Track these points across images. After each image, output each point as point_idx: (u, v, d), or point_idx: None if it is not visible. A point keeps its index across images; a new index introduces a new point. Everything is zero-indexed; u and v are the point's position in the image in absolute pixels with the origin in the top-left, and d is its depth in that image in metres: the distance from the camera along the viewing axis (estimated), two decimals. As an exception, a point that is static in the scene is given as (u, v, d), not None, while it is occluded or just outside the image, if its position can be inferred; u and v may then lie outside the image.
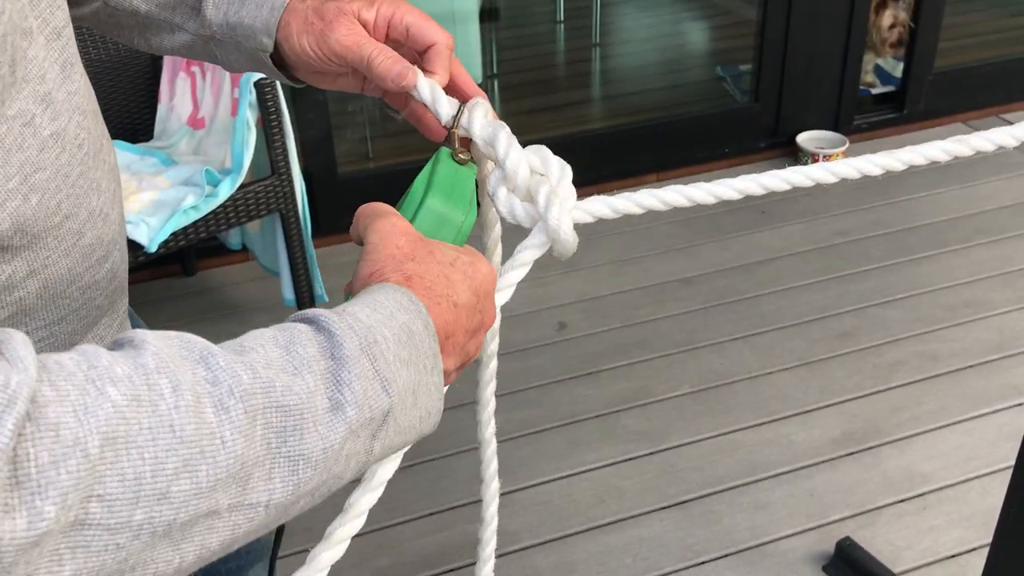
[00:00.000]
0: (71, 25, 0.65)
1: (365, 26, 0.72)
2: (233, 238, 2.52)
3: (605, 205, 0.71)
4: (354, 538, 1.63)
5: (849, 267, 2.64)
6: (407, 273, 0.60)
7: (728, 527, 1.84)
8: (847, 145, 3.13)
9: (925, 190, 3.00)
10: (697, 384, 2.23)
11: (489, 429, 0.87)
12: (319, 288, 2.36)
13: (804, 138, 3.14)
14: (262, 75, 1.65)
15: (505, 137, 0.68)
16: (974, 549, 1.76)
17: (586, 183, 3.19)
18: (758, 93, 3.14)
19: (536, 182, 0.68)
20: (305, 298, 2.31)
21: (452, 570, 1.79)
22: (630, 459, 2.02)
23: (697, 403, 2.17)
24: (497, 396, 2.36)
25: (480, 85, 3.18)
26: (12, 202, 0.56)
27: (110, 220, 0.67)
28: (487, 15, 3.77)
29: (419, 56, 0.74)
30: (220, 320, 2.54)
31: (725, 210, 2.94)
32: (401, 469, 2.15)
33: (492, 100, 3.68)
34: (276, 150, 2.09)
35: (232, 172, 2.04)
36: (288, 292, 2.31)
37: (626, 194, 0.74)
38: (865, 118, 3.27)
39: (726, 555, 1.78)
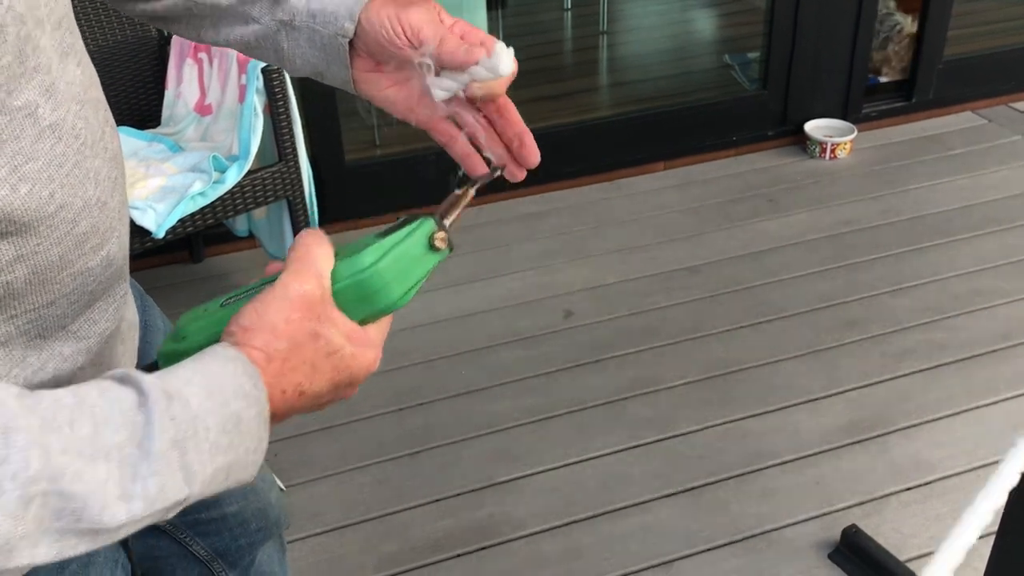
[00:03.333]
0: (71, 13, 0.65)
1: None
2: (240, 225, 2.52)
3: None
4: (360, 524, 1.64)
5: (857, 256, 2.63)
6: (271, 354, 0.58)
7: (734, 514, 1.84)
8: (855, 134, 3.11)
9: (933, 179, 2.98)
10: (704, 372, 2.23)
11: None
12: (326, 275, 2.36)
13: (812, 126, 3.13)
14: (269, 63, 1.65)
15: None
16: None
17: (594, 171, 3.19)
18: (766, 81, 3.13)
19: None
20: (312, 285, 2.31)
21: (459, 555, 1.79)
22: (637, 446, 2.02)
23: (704, 391, 2.17)
24: (504, 383, 2.38)
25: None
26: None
27: (108, 208, 0.67)
28: (495, 2, 3.76)
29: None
30: (227, 307, 2.54)
31: (733, 199, 2.94)
32: (407, 456, 2.17)
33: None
34: (283, 137, 2.09)
35: (239, 159, 2.04)
36: (295, 279, 2.31)
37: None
38: (874, 106, 3.25)
39: (732, 542, 1.78)
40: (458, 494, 1.93)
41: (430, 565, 1.78)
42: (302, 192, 2.18)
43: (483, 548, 1.81)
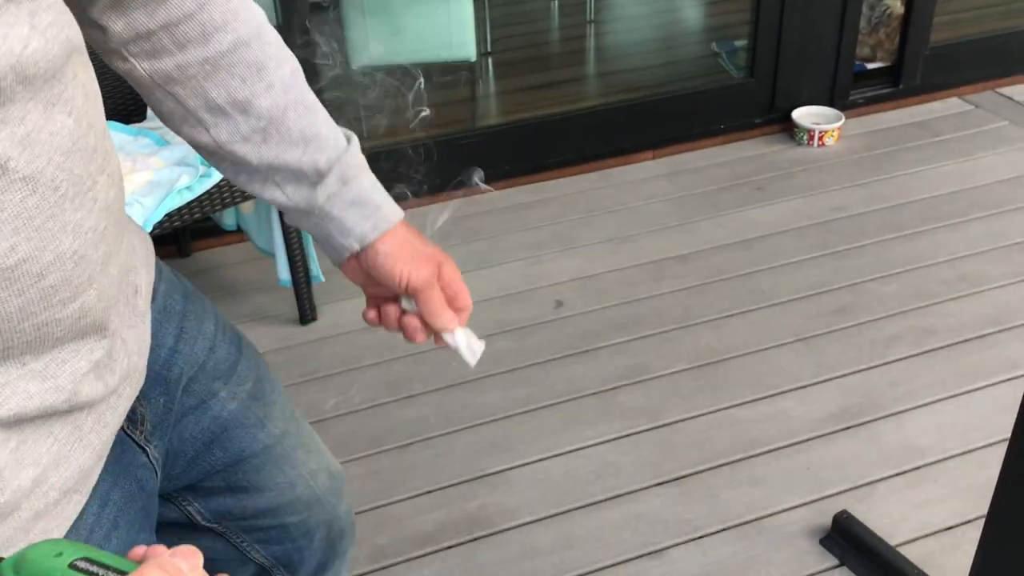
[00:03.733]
0: (79, 60, 0.63)
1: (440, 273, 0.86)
2: (228, 219, 2.51)
3: None
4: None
5: (845, 243, 2.64)
6: None
7: (725, 502, 1.85)
8: (843, 120, 3.12)
9: (920, 165, 2.99)
10: (694, 360, 2.23)
11: None
12: (315, 268, 2.35)
13: (800, 114, 3.13)
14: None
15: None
16: (970, 521, 1.77)
17: (581, 161, 3.18)
18: (753, 69, 3.13)
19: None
20: (301, 278, 2.31)
21: (451, 547, 1.79)
22: (627, 435, 2.02)
23: (694, 379, 2.17)
24: (494, 374, 2.38)
25: (474, 63, 3.17)
26: None
27: (87, 261, 0.63)
28: (481, -8, 3.74)
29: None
30: (217, 301, 2.52)
31: (721, 187, 2.94)
32: (399, 448, 2.17)
33: (486, 77, 3.67)
34: (270, 129, 2.08)
35: (226, 152, 2.03)
36: (284, 273, 2.30)
37: None
38: (861, 93, 3.26)
39: (723, 529, 1.79)
40: (450, 485, 1.93)
41: (423, 556, 1.78)
42: (289, 185, 2.17)
43: (476, 539, 1.81)
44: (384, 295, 0.89)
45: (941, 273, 2.49)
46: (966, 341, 2.24)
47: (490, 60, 3.72)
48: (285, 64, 0.79)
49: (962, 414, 2.02)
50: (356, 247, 0.83)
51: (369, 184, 0.84)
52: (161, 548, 0.52)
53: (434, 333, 0.89)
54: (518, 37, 3.99)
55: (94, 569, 0.51)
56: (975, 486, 1.84)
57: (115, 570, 0.50)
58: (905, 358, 2.20)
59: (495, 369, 2.23)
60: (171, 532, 0.96)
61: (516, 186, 2.97)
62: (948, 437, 1.96)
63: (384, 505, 1.88)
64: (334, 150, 0.81)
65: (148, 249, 0.84)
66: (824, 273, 2.52)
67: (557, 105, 3.37)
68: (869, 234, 2.67)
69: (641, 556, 1.75)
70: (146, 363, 0.77)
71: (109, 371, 0.69)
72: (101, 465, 0.71)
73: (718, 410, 2.08)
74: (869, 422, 2.02)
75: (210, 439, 0.88)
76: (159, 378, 0.82)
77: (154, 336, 0.81)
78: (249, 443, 0.92)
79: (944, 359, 2.19)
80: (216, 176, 2.01)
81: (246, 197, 2.11)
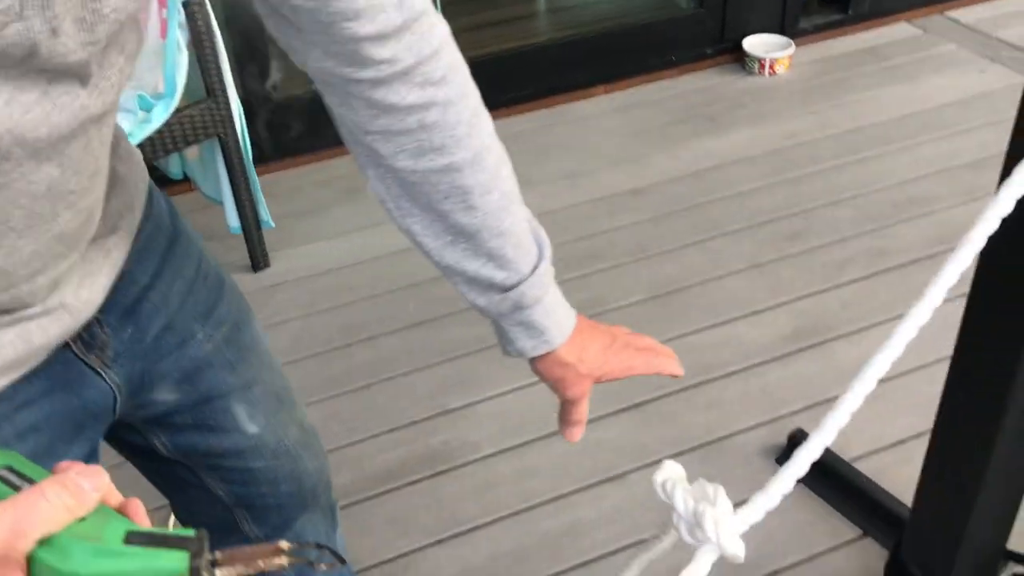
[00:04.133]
0: (89, 132, 0.62)
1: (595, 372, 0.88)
2: (173, 167, 2.47)
3: (760, 510, 0.68)
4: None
5: (797, 169, 2.65)
6: None
7: (683, 426, 1.87)
8: (793, 49, 3.11)
9: (871, 90, 3.00)
10: (650, 291, 2.24)
11: None
12: (264, 214, 2.32)
13: (750, 43, 3.12)
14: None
15: (680, 494, 0.72)
16: (920, 435, 1.80)
17: (534, 98, 3.14)
18: (703, -1, 3.10)
19: (700, 509, 0.70)
20: (251, 225, 2.28)
21: (414, 482, 1.80)
22: (586, 367, 2.03)
23: (651, 310, 2.19)
24: (452, 314, 2.36)
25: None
26: None
27: (15, 276, 0.65)
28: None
29: None
30: (167, 252, 2.49)
31: (674, 119, 2.93)
32: (359, 390, 2.16)
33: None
34: (210, 72, 2.03)
35: (165, 96, 1.98)
36: (233, 219, 2.27)
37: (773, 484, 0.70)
38: (810, 20, 3.25)
39: (682, 452, 1.81)
40: (411, 423, 1.93)
41: (386, 493, 1.78)
42: (234, 129, 2.12)
43: (438, 473, 1.82)
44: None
45: (892, 196, 2.51)
46: (917, 261, 2.27)
47: None
48: (494, 191, 0.78)
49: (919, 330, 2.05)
50: (516, 355, 0.87)
51: (544, 310, 0.83)
52: (74, 464, 0.51)
53: None
54: (466, -25, 3.91)
55: (14, 480, 0.50)
56: (926, 401, 1.85)
57: (32, 482, 0.50)
58: (857, 280, 2.23)
59: (452, 308, 2.22)
60: (141, 459, 0.98)
61: (468, 126, 2.94)
62: (901, 354, 1.99)
63: (345, 446, 1.88)
64: (516, 274, 0.81)
65: (146, 179, 0.85)
66: (777, 200, 2.53)
67: (508, 42, 3.32)
68: (821, 160, 2.68)
69: (601, 482, 1.77)
70: (101, 296, 0.78)
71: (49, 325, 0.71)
72: (30, 366, 0.72)
73: (675, 338, 2.09)
74: (823, 343, 2.05)
75: (182, 377, 0.89)
76: (129, 311, 0.82)
77: (130, 273, 0.81)
78: (218, 384, 0.92)
79: (896, 279, 2.22)
80: (157, 121, 1.96)
81: (189, 142, 2.07)
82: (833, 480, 1.70)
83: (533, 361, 0.87)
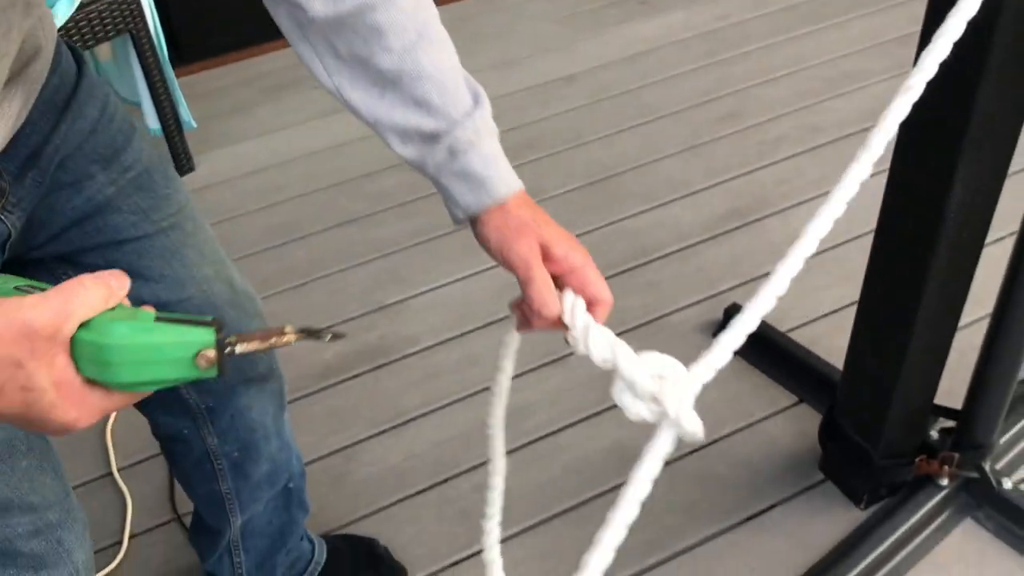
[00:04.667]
0: None
1: (544, 247, 0.78)
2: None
3: (709, 370, 0.69)
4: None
5: (730, 50, 2.62)
6: None
7: (621, 307, 1.86)
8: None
9: (803, -33, 2.96)
10: (586, 178, 2.22)
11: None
12: (185, 114, 2.24)
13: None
14: None
15: (622, 353, 0.72)
16: (854, 303, 1.82)
17: None
18: None
19: (656, 385, 0.70)
20: (171, 126, 2.19)
21: (355, 376, 1.79)
22: (523, 255, 2.02)
23: (587, 196, 2.17)
24: (387, 209, 2.32)
25: None
26: None
27: None
28: None
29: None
30: (86, 160, 2.40)
31: (605, 4, 2.87)
32: (293, 289, 2.12)
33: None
34: (114, -38, 1.92)
35: (68, -10, 1.87)
36: (152, 121, 2.18)
37: (718, 343, 0.68)
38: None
39: (621, 332, 1.79)
40: (348, 319, 1.91)
41: (326, 388, 1.77)
42: (145, 24, 2.02)
43: (378, 367, 1.81)
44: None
45: (825, 72, 2.50)
46: (850, 135, 2.27)
47: None
48: (410, 30, 0.77)
49: (849, 203, 2.06)
50: (461, 217, 0.80)
51: (481, 158, 0.78)
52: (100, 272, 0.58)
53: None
54: None
55: (32, 291, 0.58)
56: (859, 271, 1.89)
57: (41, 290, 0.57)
58: (792, 156, 2.23)
59: (387, 203, 2.19)
60: None
61: (395, 18, 2.85)
62: (834, 227, 2.01)
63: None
64: (445, 120, 0.78)
65: (52, 27, 0.83)
66: (710, 82, 2.50)
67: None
68: (753, 40, 2.65)
69: (543, 365, 1.77)
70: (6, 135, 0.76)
71: None
72: None
73: (611, 223, 2.08)
74: (757, 220, 2.06)
75: (81, 217, 0.88)
76: (31, 157, 0.81)
77: (31, 123, 0.80)
78: (127, 228, 0.91)
79: (830, 154, 2.23)
80: (61, 17, 1.86)
81: (99, 40, 1.96)
82: (769, 351, 1.72)
83: (481, 228, 0.79)
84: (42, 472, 0.82)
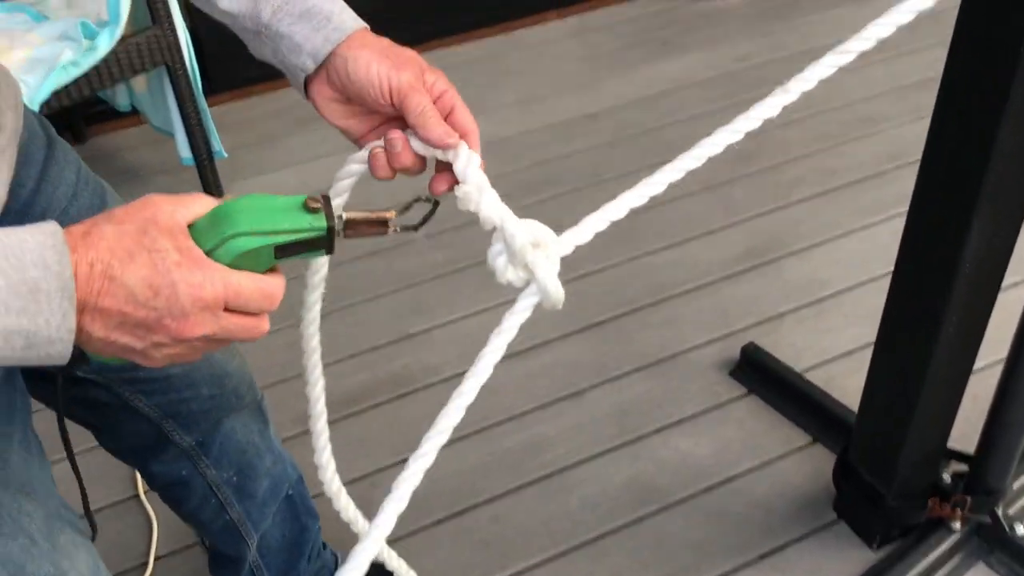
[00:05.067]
0: None
1: (428, 83, 0.76)
2: (121, 99, 2.42)
3: (577, 235, 0.77)
4: (274, 385, 1.63)
5: (749, 92, 2.66)
6: (88, 228, 0.60)
7: (639, 343, 1.91)
8: (745, -30, 3.10)
9: (821, 11, 3.01)
10: (606, 214, 2.26)
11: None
12: (216, 144, 2.29)
13: (702, -34, 3.10)
14: None
15: (509, 215, 0.76)
16: (869, 344, 1.84)
17: (487, 23, 3.09)
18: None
19: (531, 251, 0.75)
20: (203, 156, 2.25)
21: (376, 405, 1.82)
22: (544, 290, 2.05)
23: (607, 233, 2.19)
24: (412, 241, 2.36)
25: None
26: None
27: None
28: None
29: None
30: (119, 186, 2.40)
31: (627, 44, 2.93)
32: (319, 317, 2.12)
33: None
34: (155, -2, 1.99)
35: (110, 23, 1.93)
36: (184, 151, 2.24)
37: (591, 217, 0.78)
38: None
39: (639, 368, 1.85)
40: (372, 349, 1.95)
41: (349, 416, 1.81)
42: (181, 57, 2.08)
43: (400, 396, 1.84)
44: (371, 127, 0.81)
45: (842, 116, 2.54)
46: (866, 179, 2.31)
47: (386, -75, 3.57)
48: None
49: (863, 247, 2.10)
50: (310, 65, 0.76)
51: None
52: None
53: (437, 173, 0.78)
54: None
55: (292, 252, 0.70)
56: (873, 312, 1.91)
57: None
58: (808, 198, 2.27)
59: (412, 236, 2.23)
60: (50, 381, 0.95)
61: (421, 52, 2.90)
62: (849, 269, 2.04)
63: (307, 372, 1.89)
64: None
65: (15, 94, 0.82)
66: (729, 123, 2.54)
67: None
68: (772, 82, 2.65)
69: (560, 399, 1.80)
70: (5, 194, 0.77)
71: None
72: None
73: (630, 259, 2.12)
74: (774, 260, 2.09)
75: None
76: (20, 214, 0.82)
77: (17, 177, 0.81)
78: None
79: (846, 197, 2.26)
80: (103, 49, 1.92)
81: (136, 71, 2.02)
82: (785, 390, 1.75)
83: (342, 64, 0.75)
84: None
